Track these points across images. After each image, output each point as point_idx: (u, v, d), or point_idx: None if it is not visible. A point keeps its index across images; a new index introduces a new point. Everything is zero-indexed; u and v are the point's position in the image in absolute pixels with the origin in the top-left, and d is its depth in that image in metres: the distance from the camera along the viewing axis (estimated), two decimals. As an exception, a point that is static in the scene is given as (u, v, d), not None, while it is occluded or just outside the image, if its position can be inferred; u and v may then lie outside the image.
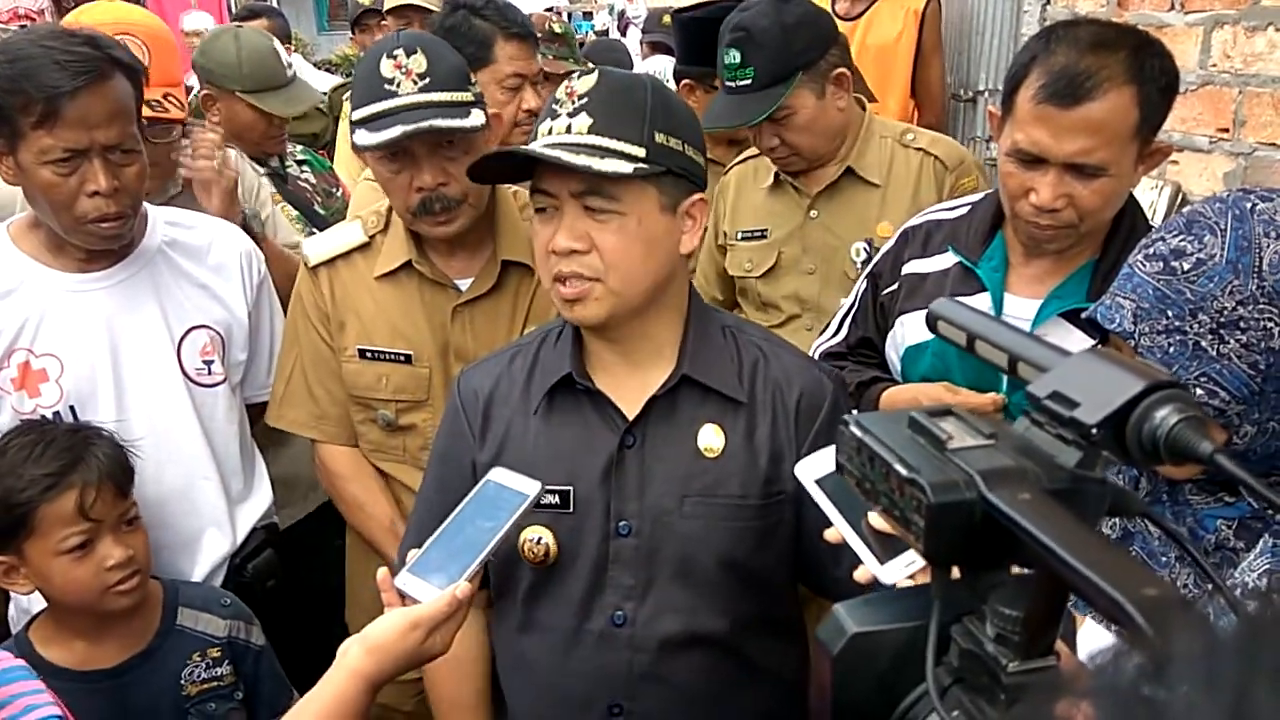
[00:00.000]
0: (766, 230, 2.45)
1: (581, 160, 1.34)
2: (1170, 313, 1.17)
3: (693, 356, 1.50)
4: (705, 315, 1.56)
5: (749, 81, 2.25)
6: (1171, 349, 1.17)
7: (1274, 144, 2.46)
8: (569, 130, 1.40)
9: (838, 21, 3.78)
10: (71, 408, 1.87)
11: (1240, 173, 2.58)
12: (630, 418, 1.49)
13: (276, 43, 3.09)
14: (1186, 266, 1.18)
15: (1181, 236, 1.20)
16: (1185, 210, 1.25)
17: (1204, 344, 1.16)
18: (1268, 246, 1.15)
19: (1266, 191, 1.21)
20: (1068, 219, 1.64)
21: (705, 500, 1.47)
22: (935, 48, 3.87)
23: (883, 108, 3.78)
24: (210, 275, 2.03)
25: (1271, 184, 2.45)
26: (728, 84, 2.30)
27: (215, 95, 2.96)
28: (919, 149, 2.36)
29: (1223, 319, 1.15)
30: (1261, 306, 1.13)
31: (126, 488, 1.75)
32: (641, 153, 1.39)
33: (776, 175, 2.44)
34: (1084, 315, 1.32)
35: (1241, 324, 1.14)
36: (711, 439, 1.49)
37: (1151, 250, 1.22)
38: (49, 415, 1.86)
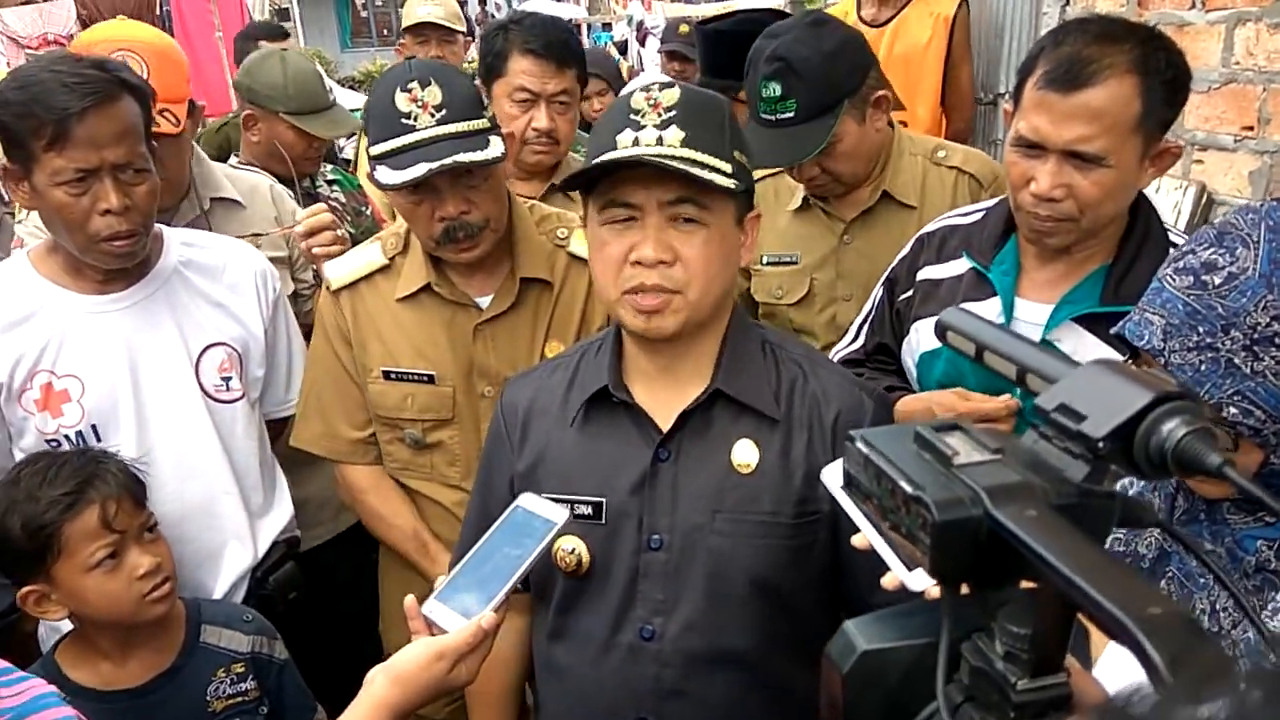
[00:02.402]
0: (796, 256, 2.37)
1: (704, 173, 1.35)
2: (1201, 329, 1.13)
3: (727, 371, 1.49)
4: (745, 330, 1.55)
5: (792, 114, 2.13)
6: (1203, 366, 1.13)
7: (1299, 141, 2.43)
8: (660, 142, 1.38)
9: (864, 28, 3.78)
10: (94, 427, 1.89)
11: (1266, 171, 2.54)
12: (665, 431, 1.49)
13: (319, 66, 3.13)
14: (1218, 281, 1.14)
15: (1213, 249, 1.16)
16: (1217, 221, 1.21)
17: (1237, 361, 1.11)
18: None
19: None
20: (1067, 211, 1.62)
21: (736, 517, 1.46)
22: (965, 54, 3.81)
23: (911, 115, 3.73)
24: (226, 293, 2.04)
25: (1297, 182, 2.42)
26: (765, 116, 2.15)
27: (258, 115, 3.02)
28: (953, 167, 2.29)
29: (1256, 335, 1.10)
30: None
31: (143, 499, 1.78)
32: (729, 169, 1.39)
33: (805, 198, 2.36)
34: (1113, 331, 1.27)
35: (1277, 340, 1.10)
36: (746, 455, 1.47)
37: (1182, 264, 1.18)
38: (71, 435, 1.88)
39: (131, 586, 1.70)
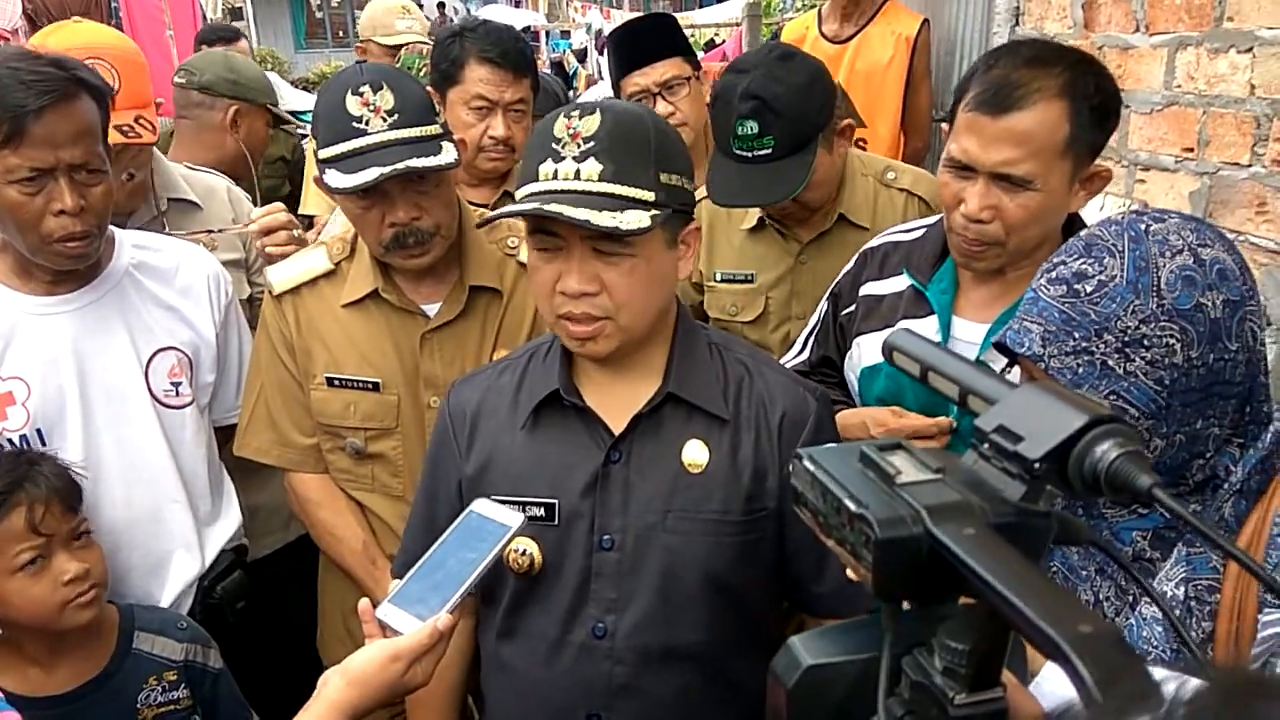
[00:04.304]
0: (752, 274, 2.39)
1: (607, 220, 1.33)
2: (1077, 334, 1.19)
3: (679, 374, 1.51)
4: (692, 332, 1.57)
5: (769, 151, 2.13)
6: (1080, 369, 1.19)
7: (1237, 163, 2.49)
8: (578, 176, 1.37)
9: (825, 44, 3.80)
10: (39, 431, 1.86)
11: (1205, 191, 2.61)
12: (616, 433, 1.50)
13: (271, 68, 3.19)
14: (1089, 289, 1.20)
15: (1082, 259, 1.22)
16: (1083, 234, 1.27)
17: (1111, 363, 1.18)
18: (1164, 266, 1.17)
19: (1158, 212, 1.24)
20: (993, 234, 1.64)
21: (688, 516, 1.49)
22: (924, 75, 3.83)
23: (872, 134, 3.75)
24: (177, 297, 2.02)
25: (1235, 203, 2.49)
26: (740, 153, 2.15)
27: (243, 110, 3.01)
28: (903, 189, 2.33)
29: (1127, 338, 1.17)
30: (1163, 324, 1.16)
31: (75, 504, 1.75)
32: (652, 197, 1.38)
33: (761, 218, 2.37)
34: (993, 340, 1.32)
35: (1145, 342, 1.16)
36: (696, 454, 1.50)
37: (1054, 274, 1.24)
38: (15, 439, 1.84)
39: (56, 591, 1.68)
